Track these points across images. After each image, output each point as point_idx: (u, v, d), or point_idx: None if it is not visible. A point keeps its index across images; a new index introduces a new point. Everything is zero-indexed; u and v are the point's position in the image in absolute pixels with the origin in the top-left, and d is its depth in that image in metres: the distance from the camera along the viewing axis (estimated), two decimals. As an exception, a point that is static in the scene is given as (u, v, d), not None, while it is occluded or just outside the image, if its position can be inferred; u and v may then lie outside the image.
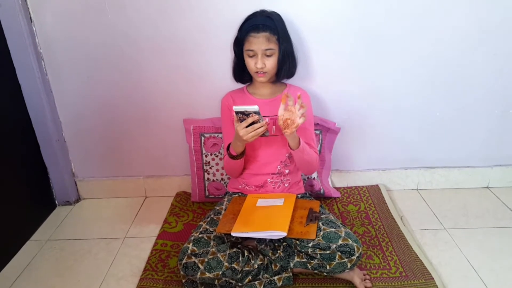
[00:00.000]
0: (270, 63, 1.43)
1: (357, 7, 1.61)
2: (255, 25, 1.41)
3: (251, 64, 1.44)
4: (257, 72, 1.45)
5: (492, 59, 1.70)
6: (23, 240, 1.69)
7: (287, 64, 1.49)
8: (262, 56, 1.42)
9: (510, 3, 1.60)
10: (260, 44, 1.39)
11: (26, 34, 1.61)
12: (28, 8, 1.62)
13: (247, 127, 1.31)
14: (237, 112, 1.30)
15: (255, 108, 1.26)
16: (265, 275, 1.36)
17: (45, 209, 1.88)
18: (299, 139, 1.41)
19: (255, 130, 1.31)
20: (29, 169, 1.78)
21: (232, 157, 1.47)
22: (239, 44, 1.47)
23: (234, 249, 1.33)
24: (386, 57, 1.70)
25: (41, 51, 1.70)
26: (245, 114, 1.30)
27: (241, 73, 1.56)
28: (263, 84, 1.53)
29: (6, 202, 1.60)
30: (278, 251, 1.38)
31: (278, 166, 1.54)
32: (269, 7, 1.54)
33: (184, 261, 1.28)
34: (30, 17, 1.63)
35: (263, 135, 1.36)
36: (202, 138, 1.79)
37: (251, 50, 1.41)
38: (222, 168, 1.81)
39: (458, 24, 1.64)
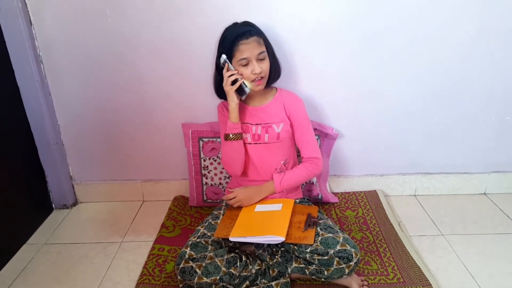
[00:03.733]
0: (266, 66, 1.43)
1: (357, 14, 1.62)
2: (242, 32, 1.37)
3: (247, 73, 1.40)
4: (254, 81, 1.41)
5: (490, 66, 1.71)
6: (20, 243, 1.68)
7: (275, 66, 1.49)
8: (257, 61, 1.40)
9: (507, 12, 1.62)
10: (253, 49, 1.38)
11: (26, 36, 1.62)
12: (28, 11, 1.62)
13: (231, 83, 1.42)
14: (223, 63, 1.42)
15: (223, 57, 1.40)
16: (263, 280, 1.35)
17: (42, 213, 1.87)
18: (272, 186, 1.50)
19: (227, 77, 1.40)
20: (26, 172, 1.78)
21: (228, 137, 1.46)
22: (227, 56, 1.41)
23: (232, 254, 1.33)
24: (384, 63, 1.71)
25: (40, 54, 1.70)
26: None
27: (222, 88, 1.45)
28: (254, 92, 1.48)
29: (2, 205, 1.60)
30: (276, 257, 1.38)
31: (274, 174, 1.54)
32: (268, 12, 1.55)
33: (181, 265, 1.27)
34: (30, 20, 1.63)
35: (242, 90, 1.41)
36: (201, 142, 1.79)
37: (244, 58, 1.38)
38: (221, 172, 1.81)
39: (456, 31, 1.65)
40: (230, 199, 1.51)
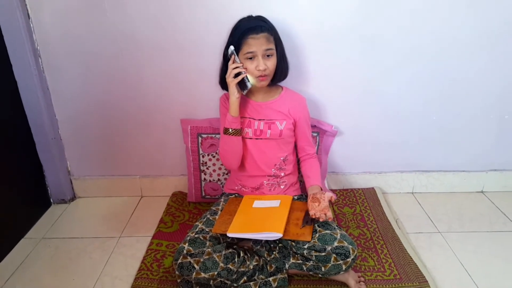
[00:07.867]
0: (271, 64, 1.42)
1: (357, 13, 1.62)
2: (253, 26, 1.37)
3: (251, 67, 1.40)
4: (258, 76, 1.41)
5: (489, 65, 1.71)
6: (18, 238, 1.68)
7: (283, 65, 1.49)
8: (263, 58, 1.39)
9: (507, 11, 1.62)
10: (261, 44, 1.37)
11: (24, 31, 1.61)
12: (26, 4, 1.61)
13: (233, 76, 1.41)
14: (230, 55, 1.40)
15: (231, 48, 1.39)
16: (261, 276, 1.36)
17: (40, 207, 1.87)
18: (318, 187, 1.48)
19: (232, 69, 1.38)
20: (24, 167, 1.77)
21: (227, 131, 1.46)
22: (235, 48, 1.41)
23: (230, 250, 1.33)
24: (383, 61, 1.71)
25: (38, 48, 1.69)
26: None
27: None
28: (259, 88, 1.49)
29: (1, 199, 1.60)
30: (274, 252, 1.38)
31: (273, 169, 1.55)
32: (269, 11, 1.54)
33: (179, 261, 1.28)
34: (28, 14, 1.63)
35: (244, 85, 1.39)
36: (200, 138, 1.79)
37: (251, 52, 1.38)
38: (219, 168, 1.81)
39: (456, 30, 1.65)
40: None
